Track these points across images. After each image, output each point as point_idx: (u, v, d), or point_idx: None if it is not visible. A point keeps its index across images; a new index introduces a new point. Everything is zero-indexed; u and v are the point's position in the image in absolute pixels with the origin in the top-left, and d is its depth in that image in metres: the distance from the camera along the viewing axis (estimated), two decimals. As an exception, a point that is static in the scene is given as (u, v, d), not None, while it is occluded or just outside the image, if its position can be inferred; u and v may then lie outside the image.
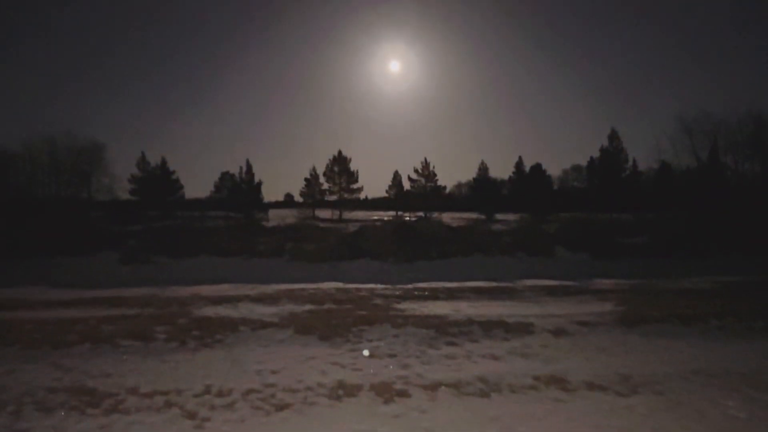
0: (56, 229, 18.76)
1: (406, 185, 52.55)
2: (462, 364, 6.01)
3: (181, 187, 47.57)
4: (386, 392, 5.04)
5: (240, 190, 46.49)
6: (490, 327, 7.67)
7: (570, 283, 12.60)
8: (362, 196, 53.00)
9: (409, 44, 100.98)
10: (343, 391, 5.07)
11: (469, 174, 70.22)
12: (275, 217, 37.79)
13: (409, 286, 12.15)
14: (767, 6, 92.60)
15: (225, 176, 48.79)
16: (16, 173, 37.81)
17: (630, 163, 46.78)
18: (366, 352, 6.46)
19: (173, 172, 46.93)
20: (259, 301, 9.92)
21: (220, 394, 4.97)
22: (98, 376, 5.55)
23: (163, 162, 46.34)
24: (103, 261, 15.60)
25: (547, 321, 8.11)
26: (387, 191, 55.40)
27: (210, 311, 8.89)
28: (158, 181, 45.14)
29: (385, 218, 34.40)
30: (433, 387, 5.18)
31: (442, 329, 7.52)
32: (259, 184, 48.13)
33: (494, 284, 12.33)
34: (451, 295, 10.83)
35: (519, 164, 53.13)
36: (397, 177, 54.43)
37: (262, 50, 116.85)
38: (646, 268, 15.26)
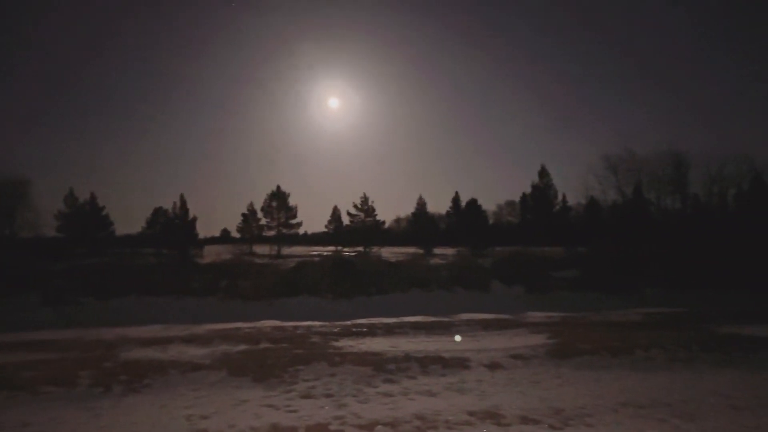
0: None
1: (346, 220, 52.54)
2: (399, 401, 5.98)
3: (112, 223, 45.81)
4: (321, 434, 4.95)
5: (173, 226, 45.15)
6: (427, 363, 7.68)
7: (505, 316, 12.83)
8: (301, 231, 52.59)
9: (348, 81, 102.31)
10: (277, 434, 4.95)
11: (407, 209, 70.92)
12: (211, 254, 36.85)
13: (348, 322, 12.04)
14: (689, 49, 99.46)
15: (158, 212, 47.28)
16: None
17: (560, 198, 48.68)
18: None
19: (103, 208, 45.18)
20: (191, 342, 9.56)
21: (146, 442, 4.75)
22: (15, 426, 5.20)
23: (93, 197, 44.58)
24: (25, 302, 14.77)
25: (482, 355, 8.20)
26: (326, 226, 55.21)
27: (138, 354, 8.49)
28: (87, 218, 43.29)
29: (325, 253, 34.21)
30: (370, 427, 5.12)
31: (380, 366, 7.47)
32: (194, 219, 46.98)
33: (432, 319, 12.39)
34: (389, 331, 10.80)
35: (456, 199, 54.22)
36: (336, 212, 54.37)
37: (197, 84, 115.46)
38: (576, 301, 15.82)
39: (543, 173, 48.68)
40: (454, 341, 9.69)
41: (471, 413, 5.52)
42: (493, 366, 7.62)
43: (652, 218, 32.47)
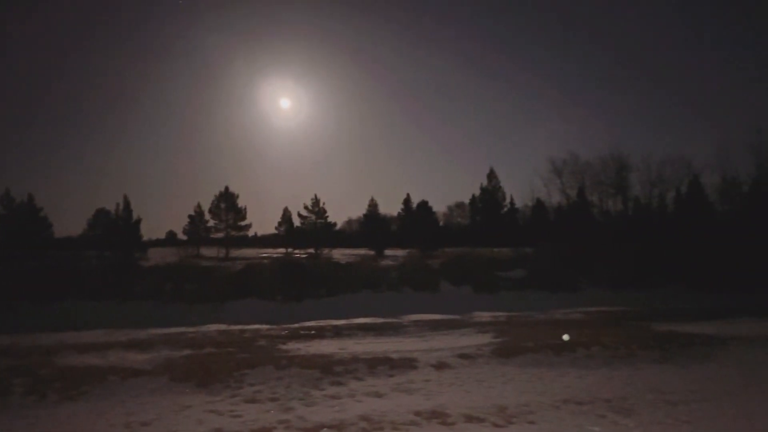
0: None
1: (297, 222, 52.09)
2: (346, 403, 5.96)
3: (50, 225, 43.97)
4: (266, 438, 4.88)
5: (116, 228, 43.68)
6: (375, 364, 7.69)
7: (453, 316, 12.99)
8: (251, 233, 51.87)
9: (298, 81, 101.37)
10: (220, 440, 4.85)
11: (359, 210, 70.94)
12: (155, 256, 35.90)
13: (296, 325, 11.95)
14: (631, 55, 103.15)
15: (100, 213, 45.67)
16: None
17: (508, 200, 49.77)
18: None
19: (41, 209, 43.34)
20: (132, 347, 9.27)
21: (82, 452, 4.58)
22: (-61, 438, 4.93)
23: (30, 198, 42.71)
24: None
25: (430, 355, 8.26)
26: (277, 228, 54.71)
27: (76, 360, 8.18)
28: (24, 219, 41.46)
29: (275, 255, 33.83)
30: (315, 429, 5.08)
31: (328, 369, 7.43)
32: (138, 221, 45.55)
33: (381, 320, 12.44)
34: (338, 333, 10.78)
35: (407, 201, 54.60)
36: (287, 213, 53.94)
37: (144, 82, 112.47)
38: (522, 301, 16.17)
39: (491, 176, 49.74)
40: (401, 342, 9.75)
41: (417, 413, 5.55)
42: (440, 366, 7.69)
43: (595, 220, 33.49)
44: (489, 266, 21.33)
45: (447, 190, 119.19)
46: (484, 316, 13.26)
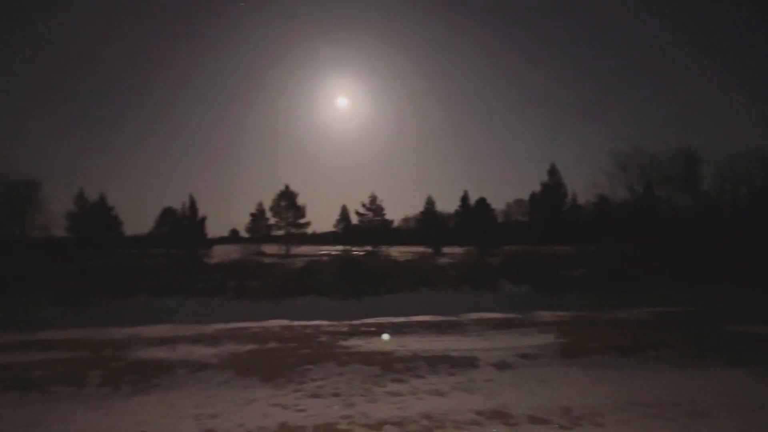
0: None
1: (354, 220, 52.27)
2: (407, 401, 5.96)
3: (121, 223, 45.82)
4: (330, 433, 4.94)
5: (182, 227, 45.11)
6: (435, 362, 7.67)
7: (513, 315, 12.79)
8: (310, 230, 52.37)
9: (357, 80, 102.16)
10: (286, 434, 4.95)
11: (416, 208, 70.53)
12: (219, 254, 36.95)
13: (356, 322, 12.04)
14: (700, 45, 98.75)
15: (167, 212, 47.35)
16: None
17: (570, 197, 48.37)
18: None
19: (112, 209, 45.30)
20: (199, 341, 9.60)
21: (154, 441, 4.77)
22: (25, 425, 5.26)
23: (102, 198, 44.65)
24: (35, 302, 14.90)
25: (491, 354, 8.17)
26: (335, 226, 55.02)
27: (146, 354, 8.54)
28: (96, 218, 43.43)
29: (333, 253, 34.20)
30: (378, 426, 5.11)
31: (388, 366, 7.46)
32: (203, 219, 46.88)
33: (440, 318, 12.37)
34: (397, 330, 10.79)
35: (464, 198, 53.88)
36: (344, 211, 54.15)
37: (207, 83, 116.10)
38: (586, 300, 15.74)
39: (552, 172, 48.44)
40: (460, 341, 9.66)
41: (479, 412, 5.50)
42: (501, 365, 7.59)
43: (663, 216, 32.09)
44: (550, 265, 20.88)
45: (505, 187, 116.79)
46: (546, 315, 12.98)
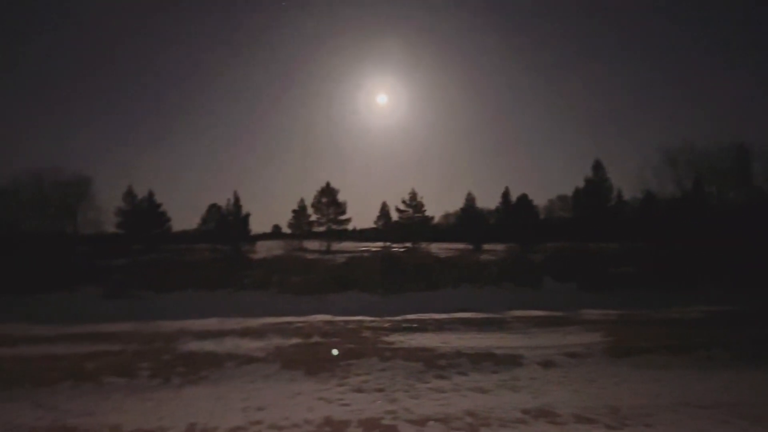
0: (40, 264, 18.55)
1: (394, 216, 52.45)
2: (451, 398, 5.95)
3: (169, 219, 47.19)
4: (374, 428, 4.97)
5: (227, 223, 46.11)
6: (478, 359, 7.63)
7: (558, 313, 12.58)
8: (350, 227, 52.83)
9: (397, 77, 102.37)
10: (331, 427, 4.99)
11: (456, 204, 70.16)
12: (262, 249, 37.56)
13: (398, 318, 12.06)
14: (749, 39, 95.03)
15: (212, 208, 48.43)
16: (2, 208, 37.52)
17: (615, 192, 47.26)
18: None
19: (160, 205, 46.59)
20: (245, 335, 9.79)
21: (204, 432, 4.88)
22: (81, 414, 5.43)
23: (150, 195, 46.02)
24: (87, 296, 15.41)
25: (535, 352, 8.08)
26: (375, 222, 55.27)
27: (195, 346, 8.75)
28: (145, 215, 44.74)
29: (373, 249, 34.30)
30: (422, 422, 5.11)
31: (431, 362, 7.46)
32: (247, 216, 47.86)
33: (483, 315, 12.27)
34: (439, 326, 10.76)
35: (506, 195, 53.27)
36: (385, 208, 54.35)
37: (250, 82, 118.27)
38: (633, 298, 15.34)
39: (597, 167, 47.36)
40: (504, 338, 9.56)
41: (524, 411, 5.44)
42: (546, 364, 7.49)
43: (713, 212, 31.05)
44: (596, 262, 20.46)
45: (548, 183, 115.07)
46: (592, 313, 12.72)
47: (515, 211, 50.56)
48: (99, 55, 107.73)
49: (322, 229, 50.13)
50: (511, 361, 7.60)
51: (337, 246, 45.77)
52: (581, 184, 48.88)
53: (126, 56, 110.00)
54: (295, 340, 9.27)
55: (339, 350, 8.28)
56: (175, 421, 5.16)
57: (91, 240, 39.76)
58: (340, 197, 49.71)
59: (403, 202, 50.70)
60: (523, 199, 51.48)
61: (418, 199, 50.42)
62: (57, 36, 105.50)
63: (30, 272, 16.91)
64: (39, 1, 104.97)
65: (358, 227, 65.96)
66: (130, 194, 45.10)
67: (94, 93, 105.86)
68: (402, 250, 34.68)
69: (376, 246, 44.09)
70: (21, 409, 5.60)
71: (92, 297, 15.30)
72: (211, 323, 11.53)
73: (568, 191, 55.34)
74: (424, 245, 43.39)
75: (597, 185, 47.07)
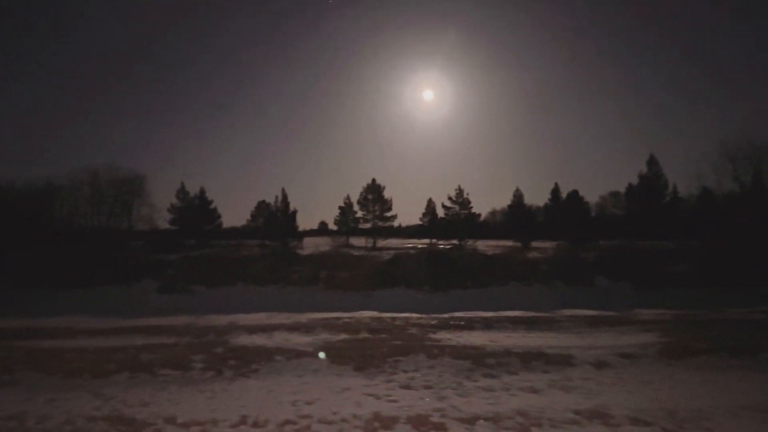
0: (98, 259, 19.27)
1: (440, 213, 52.05)
2: (500, 396, 5.86)
3: (219, 216, 48.19)
4: (423, 425, 4.94)
5: (275, 219, 46.77)
6: (528, 358, 7.50)
7: (611, 313, 12.27)
8: (396, 224, 52.73)
9: (443, 72, 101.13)
10: (379, 423, 4.99)
11: (503, 201, 69.19)
12: (310, 246, 37.95)
13: (445, 315, 12.00)
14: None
15: (261, 205, 49.23)
16: (60, 205, 39.16)
17: (670, 188, 45.68)
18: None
19: (211, 202, 47.66)
20: (294, 330, 9.93)
21: (255, 425, 4.95)
22: (136, 405, 5.60)
23: (202, 192, 47.11)
24: (143, 290, 15.93)
25: (587, 353, 7.89)
26: (421, 219, 54.95)
27: (246, 340, 8.93)
28: (197, 211, 45.86)
29: (419, 246, 34.21)
30: (471, 420, 5.05)
31: (479, 360, 7.38)
32: (294, 212, 48.42)
33: (532, 314, 12.10)
34: (487, 325, 10.65)
35: (555, 191, 52.06)
36: (430, 204, 53.96)
37: (297, 80, 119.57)
38: (689, 298, 14.81)
39: (652, 161, 45.82)
40: (555, 338, 9.37)
41: (577, 412, 5.31)
42: (599, 364, 7.30)
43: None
44: (650, 260, 19.82)
45: (599, 179, 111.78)
46: (646, 313, 12.35)
47: (565, 208, 49.41)
48: (154, 55, 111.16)
49: (367, 225, 50.18)
50: (563, 360, 7.44)
51: (382, 243, 45.78)
52: (635, 180, 47.42)
53: (178, 56, 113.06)
54: (342, 336, 9.35)
55: (385, 347, 8.27)
56: (227, 414, 5.26)
57: (145, 236, 41.08)
58: (386, 194, 49.68)
59: (450, 198, 50.24)
60: (574, 195, 50.27)
61: (465, 195, 49.93)
62: (113, 37, 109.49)
63: (88, 267, 17.59)
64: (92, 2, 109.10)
65: (404, 224, 66.00)
66: (182, 191, 46.33)
67: (149, 93, 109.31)
68: (448, 247, 34.43)
69: (421, 243, 43.96)
70: (80, 398, 5.82)
71: (147, 291, 15.82)
72: (261, 317, 11.76)
73: (621, 187, 53.71)
74: (470, 242, 42.92)
75: (651, 181, 45.55)
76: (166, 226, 44.79)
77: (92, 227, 38.01)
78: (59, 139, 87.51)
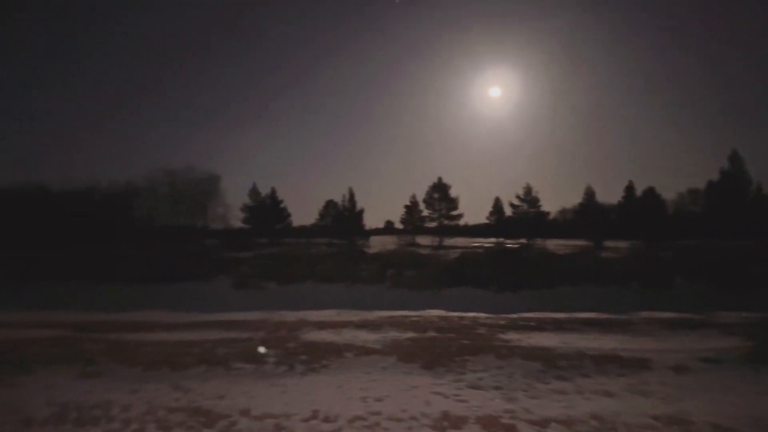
0: (175, 256, 20.16)
1: (508, 211, 51.42)
2: (573, 400, 5.71)
3: (289, 215, 49.65)
4: (493, 426, 4.89)
5: (343, 218, 47.63)
6: (602, 361, 7.27)
7: (690, 315, 11.68)
8: (462, 222, 52.41)
9: (511, 69, 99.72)
10: (449, 422, 4.98)
11: (574, 199, 67.29)
12: (376, 244, 38.31)
13: (514, 315, 11.80)
14: None
15: (329, 204, 50.30)
16: (140, 204, 41.31)
17: (754, 186, 43.14)
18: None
19: (281, 201, 49.11)
20: (362, 327, 10.04)
21: (326, 419, 5.05)
22: (213, 397, 5.82)
23: (273, 192, 48.66)
24: (218, 286, 16.53)
25: (666, 356, 7.56)
26: (487, 218, 54.43)
27: (316, 336, 9.11)
28: (268, 210, 47.36)
29: (486, 245, 33.83)
30: (543, 423, 4.96)
31: (551, 362, 7.21)
32: (361, 211, 49.13)
33: (605, 316, 11.69)
34: (558, 326, 10.38)
35: (629, 188, 50.28)
36: (498, 203, 53.46)
37: (363, 80, 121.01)
38: (777, 301, 13.90)
39: (734, 158, 43.48)
40: (630, 340, 9.03)
41: (655, 417, 5.11)
42: (678, 368, 6.98)
43: None
44: (733, 260, 18.76)
45: (677, 176, 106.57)
46: (729, 316, 11.67)
47: (640, 206, 47.60)
48: (226, 61, 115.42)
49: (433, 224, 50.20)
50: (639, 364, 7.17)
51: (448, 242, 45.59)
52: (715, 176, 45.13)
53: (250, 61, 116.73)
54: (410, 334, 9.36)
55: (453, 346, 8.22)
56: (299, 408, 5.38)
57: (219, 234, 42.75)
58: (452, 193, 49.51)
59: (518, 196, 49.54)
60: (650, 192, 48.36)
61: (533, 193, 49.04)
62: (187, 46, 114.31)
63: (166, 264, 18.43)
64: (167, 13, 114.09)
65: (470, 223, 65.37)
66: (254, 191, 47.91)
67: (222, 97, 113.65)
68: (516, 246, 33.89)
69: (488, 242, 43.46)
70: (160, 390, 6.11)
71: (222, 287, 16.39)
72: (330, 314, 11.95)
73: (701, 184, 51.21)
74: (539, 241, 42.05)
75: (734, 178, 43.19)
76: (239, 224, 46.55)
77: (170, 226, 39.86)
78: (139, 143, 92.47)
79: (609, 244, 41.97)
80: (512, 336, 9.32)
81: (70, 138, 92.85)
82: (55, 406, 5.54)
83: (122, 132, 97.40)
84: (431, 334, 9.45)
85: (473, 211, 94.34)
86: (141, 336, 9.45)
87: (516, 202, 49.69)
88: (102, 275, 17.41)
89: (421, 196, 50.35)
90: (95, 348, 8.30)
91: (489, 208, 54.47)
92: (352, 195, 48.91)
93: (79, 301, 14.23)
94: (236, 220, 46.54)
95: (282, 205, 49.16)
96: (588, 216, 50.42)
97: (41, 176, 66.04)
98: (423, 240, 46.86)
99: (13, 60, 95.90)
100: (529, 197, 49.02)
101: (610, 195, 78.52)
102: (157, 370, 7.00)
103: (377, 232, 67.00)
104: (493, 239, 48.39)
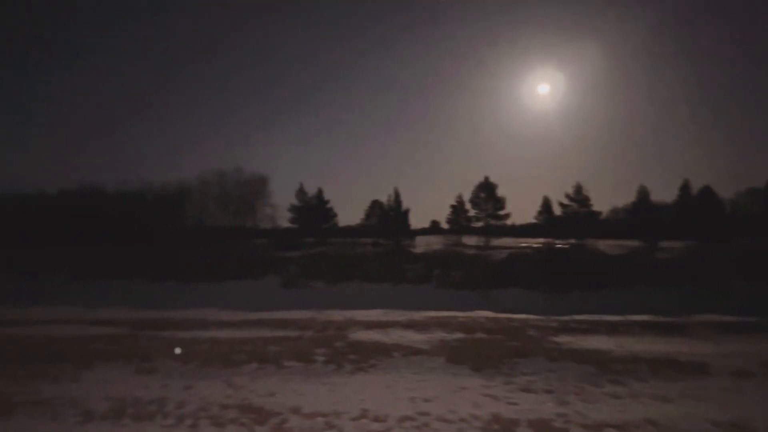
0: (226, 255, 20.61)
1: (557, 211, 50.44)
2: (628, 404, 5.57)
3: (335, 215, 50.14)
4: (545, 430, 4.82)
5: (388, 218, 47.72)
6: (659, 366, 7.06)
7: (752, 319, 11.20)
8: (509, 222, 51.71)
9: (559, 67, 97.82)
10: (499, 425, 4.93)
11: (626, 198, 65.53)
12: (422, 244, 38.19)
13: (565, 317, 11.57)
14: None
15: (374, 204, 50.54)
16: (191, 205, 42.55)
17: (820, 183, 41.02)
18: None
19: (328, 201, 49.62)
20: (409, 327, 10.04)
21: (376, 419, 5.07)
22: (264, 394, 5.94)
23: (319, 192, 49.23)
24: (268, 285, 16.79)
25: (726, 361, 7.28)
26: (535, 217, 53.52)
27: (363, 336, 9.16)
28: (315, 210, 47.96)
29: (534, 245, 33.28)
30: (597, 427, 4.85)
31: (604, 366, 7.05)
32: (407, 211, 49.12)
33: (661, 319, 11.35)
34: (612, 328, 10.12)
35: (685, 187, 48.55)
36: (546, 202, 52.49)
37: (409, 81, 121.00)
38: None
39: (796, 155, 41.47)
40: (687, 344, 8.72)
41: (715, 423, 4.94)
42: (739, 374, 6.71)
43: None
44: (797, 262, 17.86)
45: (735, 174, 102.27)
46: (793, 320, 11.16)
47: (696, 206, 45.96)
48: (272, 62, 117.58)
49: (480, 224, 49.71)
50: (698, 369, 6.93)
51: (495, 242, 45.05)
52: (776, 175, 43.13)
53: (296, 62, 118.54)
54: (458, 335, 9.31)
55: (502, 348, 8.13)
56: (348, 407, 5.43)
57: (268, 234, 43.58)
58: (499, 192, 48.93)
59: (567, 196, 48.55)
60: (706, 191, 46.67)
61: (584, 192, 47.97)
62: (237, 51, 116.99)
63: (217, 263, 18.87)
64: (219, 14, 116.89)
65: (517, 223, 64.42)
66: (301, 191, 48.63)
67: (270, 99, 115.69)
68: (566, 246, 33.22)
69: (536, 242, 42.73)
70: (213, 387, 6.26)
71: (271, 286, 16.64)
72: (377, 314, 11.99)
73: (760, 183, 49.02)
74: (590, 242, 41.08)
75: (797, 176, 41.18)
76: (287, 224, 47.30)
77: (220, 226, 40.89)
78: (190, 145, 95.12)
79: (664, 244, 40.67)
80: (564, 338, 9.15)
81: (126, 141, 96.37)
82: (113, 400, 5.75)
83: (174, 135, 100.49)
84: (479, 335, 9.38)
85: (521, 210, 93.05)
86: (194, 333, 9.71)
87: (565, 201, 48.72)
88: (156, 274, 17.95)
89: (467, 196, 49.97)
90: (150, 345, 8.59)
91: (537, 207, 53.60)
92: (397, 195, 48.95)
93: (134, 300, 14.71)
94: (284, 220, 47.43)
95: (328, 205, 49.67)
96: (641, 215, 48.94)
97: (97, 178, 68.86)
98: (469, 240, 46.44)
99: (72, 62, 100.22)
100: (579, 196, 47.98)
101: (664, 194, 75.97)
102: (210, 366, 7.19)
103: (423, 232, 66.79)
104: (541, 239, 47.52)
